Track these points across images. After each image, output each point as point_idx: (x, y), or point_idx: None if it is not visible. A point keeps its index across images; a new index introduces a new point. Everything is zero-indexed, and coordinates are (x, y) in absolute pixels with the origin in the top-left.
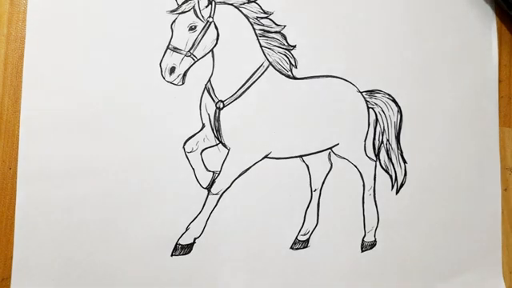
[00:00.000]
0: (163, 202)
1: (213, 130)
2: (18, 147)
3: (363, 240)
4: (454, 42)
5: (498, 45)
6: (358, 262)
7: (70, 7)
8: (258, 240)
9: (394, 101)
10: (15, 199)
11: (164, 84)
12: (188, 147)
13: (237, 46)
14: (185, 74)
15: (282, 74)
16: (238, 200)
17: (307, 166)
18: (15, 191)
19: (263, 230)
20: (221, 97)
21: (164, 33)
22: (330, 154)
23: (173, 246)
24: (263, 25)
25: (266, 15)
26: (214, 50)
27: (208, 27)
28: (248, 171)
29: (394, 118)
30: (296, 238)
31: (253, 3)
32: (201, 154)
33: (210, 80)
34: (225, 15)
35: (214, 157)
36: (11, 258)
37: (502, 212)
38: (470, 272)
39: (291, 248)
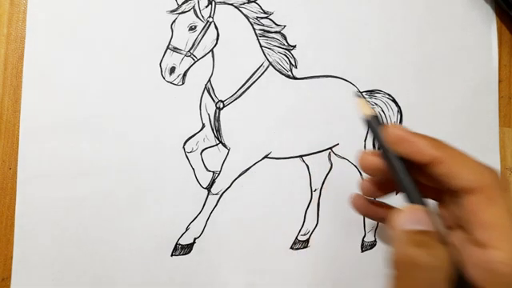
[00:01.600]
0: (163, 202)
1: (213, 130)
2: (18, 147)
3: (363, 240)
4: (453, 42)
5: (498, 45)
6: (358, 262)
7: (70, 7)
8: (258, 240)
9: (393, 101)
10: (15, 199)
11: (164, 84)
12: (188, 147)
13: (237, 46)
14: (185, 74)
15: (282, 73)
16: (238, 200)
17: (307, 166)
18: (15, 191)
19: (263, 230)
20: (221, 97)
21: (164, 33)
22: (330, 153)
23: (173, 246)
24: (263, 25)
25: (265, 15)
26: (214, 49)
27: (208, 27)
28: (248, 171)
29: (394, 117)
30: (296, 237)
31: (253, 3)
32: (201, 154)
33: (209, 80)
34: (225, 15)
35: (214, 157)
36: (11, 257)
37: None
38: None
39: (291, 248)
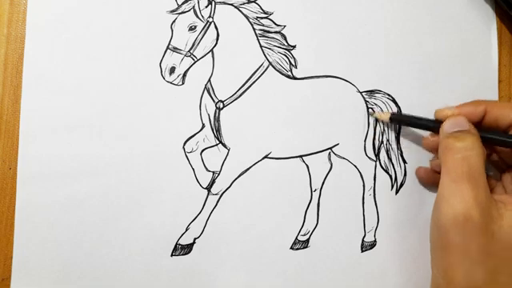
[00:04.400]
0: (163, 202)
1: (213, 130)
2: (18, 147)
3: (363, 240)
4: (453, 43)
5: (498, 45)
6: (358, 262)
7: (70, 7)
8: (258, 240)
9: (393, 101)
10: (15, 199)
11: (164, 84)
12: (188, 147)
13: (237, 46)
14: (185, 74)
15: (282, 74)
16: (238, 200)
17: (307, 166)
18: (15, 191)
19: (263, 229)
20: (221, 97)
21: (164, 33)
22: (330, 154)
23: (173, 246)
24: (263, 25)
25: (265, 15)
26: (214, 49)
27: (208, 27)
28: (248, 171)
29: None
30: (296, 238)
31: (253, 3)
32: (201, 154)
33: (209, 80)
34: (225, 15)
35: (214, 157)
36: (11, 258)
37: None
38: None
39: (291, 248)
